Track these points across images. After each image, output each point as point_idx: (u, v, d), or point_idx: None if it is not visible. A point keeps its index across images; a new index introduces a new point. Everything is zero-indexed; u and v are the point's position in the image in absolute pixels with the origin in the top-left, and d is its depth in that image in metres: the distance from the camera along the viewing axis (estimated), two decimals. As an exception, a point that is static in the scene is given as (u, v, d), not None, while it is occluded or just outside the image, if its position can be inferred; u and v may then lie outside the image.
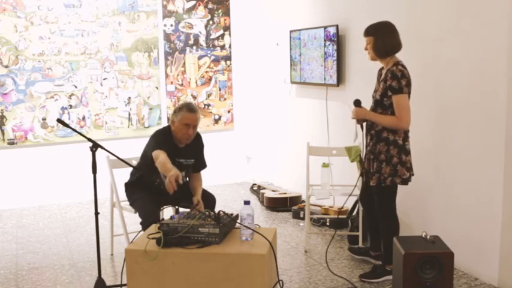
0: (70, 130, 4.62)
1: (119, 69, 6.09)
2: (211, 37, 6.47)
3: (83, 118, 5.99)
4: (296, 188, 5.76)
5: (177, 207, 4.00)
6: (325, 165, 4.45)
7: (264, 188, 6.07)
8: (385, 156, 3.52)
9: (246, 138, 6.78)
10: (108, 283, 3.46)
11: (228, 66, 6.59)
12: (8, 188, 5.77)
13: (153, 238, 2.94)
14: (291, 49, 5.71)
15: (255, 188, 6.20)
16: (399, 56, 3.56)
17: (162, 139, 3.75)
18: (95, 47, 5.96)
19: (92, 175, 3.23)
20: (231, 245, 2.93)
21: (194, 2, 6.35)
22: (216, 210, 3.17)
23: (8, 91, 5.68)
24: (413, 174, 3.60)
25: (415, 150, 3.73)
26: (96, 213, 3.31)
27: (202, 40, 6.43)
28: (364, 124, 3.65)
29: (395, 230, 3.63)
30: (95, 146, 3.22)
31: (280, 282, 3.12)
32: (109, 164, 4.09)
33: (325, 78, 5.18)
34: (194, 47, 6.41)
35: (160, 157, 3.51)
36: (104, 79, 6.03)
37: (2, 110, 5.66)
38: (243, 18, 6.59)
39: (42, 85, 5.80)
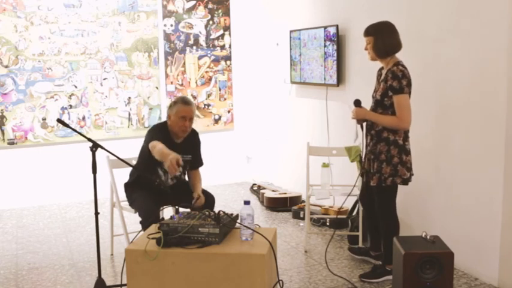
0: (70, 130, 4.62)
1: (119, 69, 6.09)
2: (211, 37, 6.47)
3: (83, 118, 5.99)
4: (296, 188, 5.76)
5: (177, 207, 4.00)
6: (325, 165, 4.45)
7: (264, 188, 6.06)
8: (385, 156, 3.52)
9: (246, 138, 6.78)
10: (108, 283, 3.46)
11: (228, 66, 6.59)
12: (8, 188, 5.77)
13: (153, 238, 2.94)
14: (291, 49, 5.71)
15: (255, 188, 6.19)
16: (399, 56, 3.55)
17: (158, 133, 3.76)
18: (95, 47, 5.96)
19: (92, 175, 3.23)
20: (231, 245, 2.93)
21: (194, 2, 6.35)
22: (216, 210, 3.16)
23: (8, 91, 5.68)
24: (413, 174, 3.60)
25: (415, 150, 3.73)
26: (96, 213, 3.31)
27: (202, 40, 6.43)
28: (364, 124, 3.65)
29: (396, 230, 3.62)
30: (95, 146, 3.22)
31: (280, 282, 3.12)
32: (109, 164, 4.09)
33: (325, 78, 5.18)
34: (194, 47, 6.40)
35: (157, 146, 3.50)
36: (104, 79, 6.03)
37: (2, 110, 5.66)
38: (243, 18, 6.59)
39: (42, 85, 5.79)
